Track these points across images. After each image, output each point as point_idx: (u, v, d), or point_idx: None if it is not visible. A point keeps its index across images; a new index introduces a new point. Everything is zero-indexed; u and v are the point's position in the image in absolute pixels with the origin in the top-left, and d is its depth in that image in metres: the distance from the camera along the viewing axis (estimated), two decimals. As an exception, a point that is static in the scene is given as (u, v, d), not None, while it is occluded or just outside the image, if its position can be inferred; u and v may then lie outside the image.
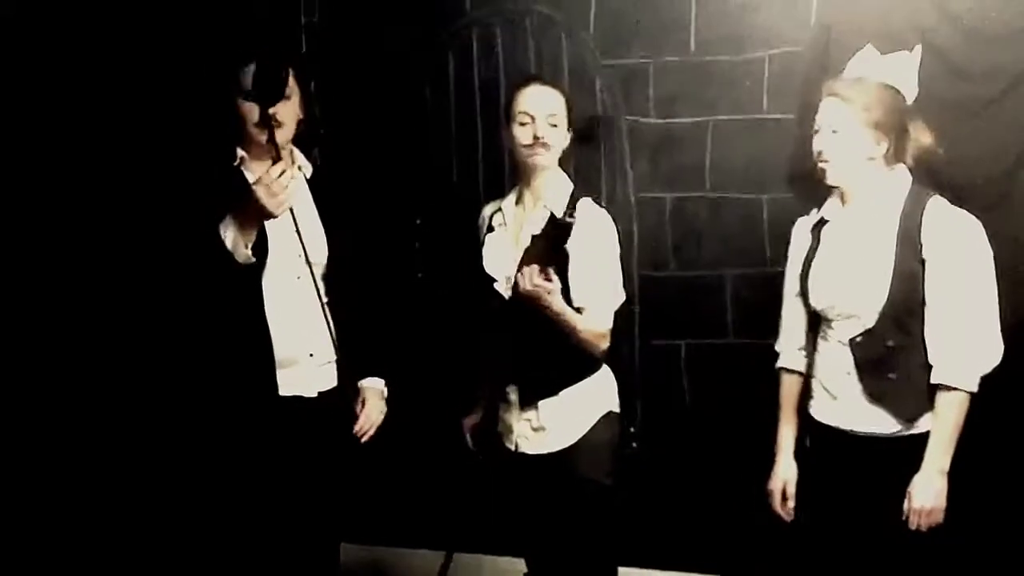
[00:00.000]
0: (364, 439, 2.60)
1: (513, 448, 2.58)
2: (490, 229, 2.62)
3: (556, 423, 2.51)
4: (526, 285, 2.28)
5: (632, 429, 3.01)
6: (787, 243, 2.49)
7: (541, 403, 2.51)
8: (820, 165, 2.28)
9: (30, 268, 3.20)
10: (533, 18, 3.13)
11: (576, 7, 3.09)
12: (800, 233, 2.44)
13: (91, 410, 3.28)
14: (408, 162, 3.32)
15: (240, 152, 2.45)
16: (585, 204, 2.50)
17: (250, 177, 2.40)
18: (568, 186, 2.54)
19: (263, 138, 2.34)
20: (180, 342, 2.44)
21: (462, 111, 3.25)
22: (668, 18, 3.01)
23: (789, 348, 2.48)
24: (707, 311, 3.07)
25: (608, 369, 2.59)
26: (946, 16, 2.76)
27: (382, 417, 2.64)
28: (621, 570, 2.72)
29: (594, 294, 2.45)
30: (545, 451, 2.53)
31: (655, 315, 3.13)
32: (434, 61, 3.25)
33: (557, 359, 2.48)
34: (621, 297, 2.53)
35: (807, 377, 2.42)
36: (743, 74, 2.96)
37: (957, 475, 2.20)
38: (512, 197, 2.61)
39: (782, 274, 2.51)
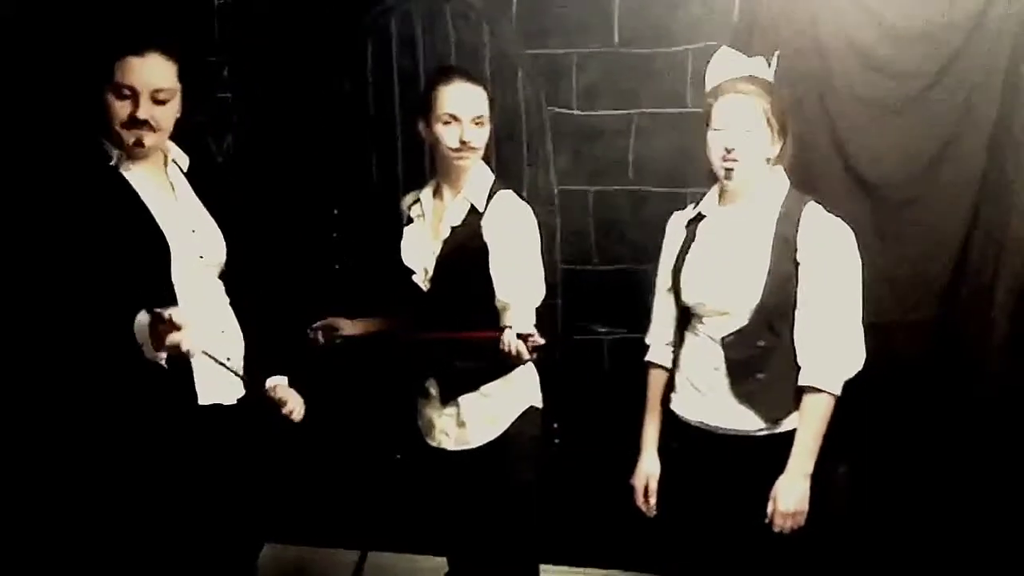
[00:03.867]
0: (296, 418, 2.44)
1: (436, 445, 2.53)
2: (409, 220, 2.56)
3: (477, 418, 2.47)
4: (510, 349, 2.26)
5: (555, 425, 2.97)
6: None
7: (461, 398, 2.46)
8: (726, 164, 2.23)
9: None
10: (454, 5, 3.07)
11: (498, -5, 3.06)
12: (675, 227, 2.44)
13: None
14: (325, 151, 3.24)
15: (115, 151, 2.20)
16: (505, 196, 2.45)
17: (129, 176, 2.20)
18: (488, 177, 2.49)
19: (131, 142, 2.14)
20: (93, 354, 2.27)
21: (380, 98, 3.18)
22: (591, 9, 2.99)
23: (657, 343, 2.48)
24: (630, 305, 3.05)
25: (531, 364, 2.52)
26: (867, 13, 2.79)
27: (300, 401, 2.48)
28: (543, 567, 2.69)
29: (516, 290, 2.40)
30: (466, 447, 2.48)
31: (578, 309, 3.10)
32: (352, 47, 3.18)
33: (478, 353, 2.42)
34: (543, 292, 2.48)
35: (673, 372, 2.42)
36: (666, 67, 2.96)
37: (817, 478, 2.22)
38: (430, 188, 2.55)
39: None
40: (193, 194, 2.31)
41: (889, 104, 2.80)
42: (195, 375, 2.24)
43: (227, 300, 2.29)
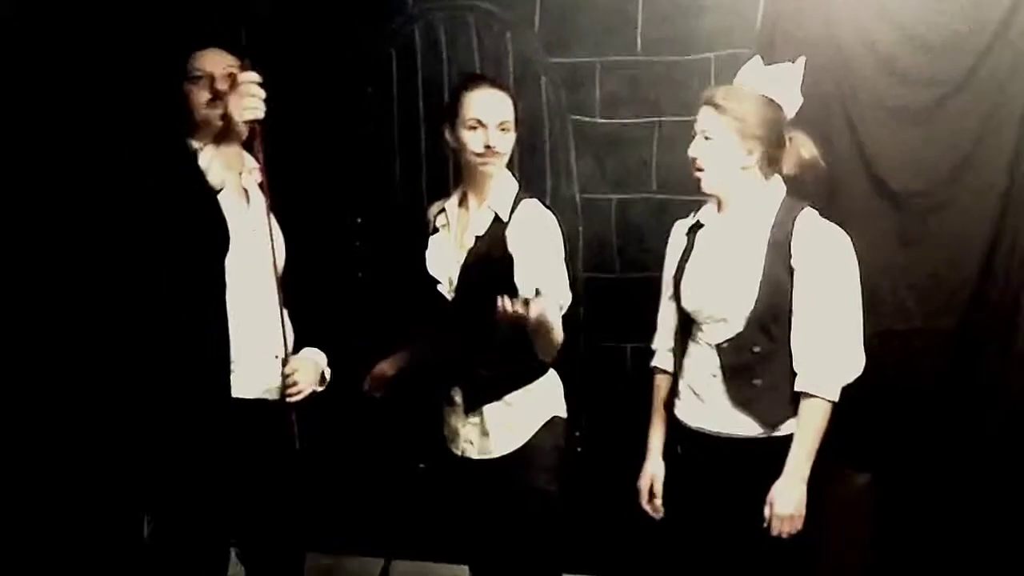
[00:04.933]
0: (292, 394, 2.39)
1: (460, 454, 2.53)
2: (434, 230, 2.57)
3: (500, 427, 2.47)
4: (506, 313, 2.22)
5: (577, 433, 2.97)
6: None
7: (486, 407, 2.46)
8: (695, 173, 2.29)
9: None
10: (477, 15, 3.09)
11: (521, 5, 3.07)
12: (676, 235, 2.46)
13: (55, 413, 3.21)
14: (349, 159, 3.26)
15: (195, 144, 2.30)
16: (530, 204, 2.46)
17: (209, 174, 2.28)
18: (513, 186, 2.50)
19: (217, 120, 2.25)
20: (141, 341, 2.36)
21: (404, 108, 3.20)
22: (614, 17, 3.00)
23: (663, 348, 2.51)
24: (653, 314, 3.05)
25: (555, 373, 2.55)
26: (889, 21, 2.79)
27: (311, 381, 2.46)
28: (565, 576, 2.69)
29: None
30: (489, 456, 2.49)
31: (600, 317, 3.10)
32: (376, 56, 3.19)
33: (503, 362, 2.44)
34: (569, 299, 2.49)
35: (676, 378, 2.43)
36: (689, 75, 2.96)
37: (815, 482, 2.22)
38: (455, 198, 2.56)
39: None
40: (264, 204, 2.40)
41: (912, 112, 2.80)
42: (242, 369, 2.32)
43: (276, 301, 2.37)
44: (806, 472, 2.20)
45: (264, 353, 2.36)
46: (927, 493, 2.86)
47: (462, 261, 2.45)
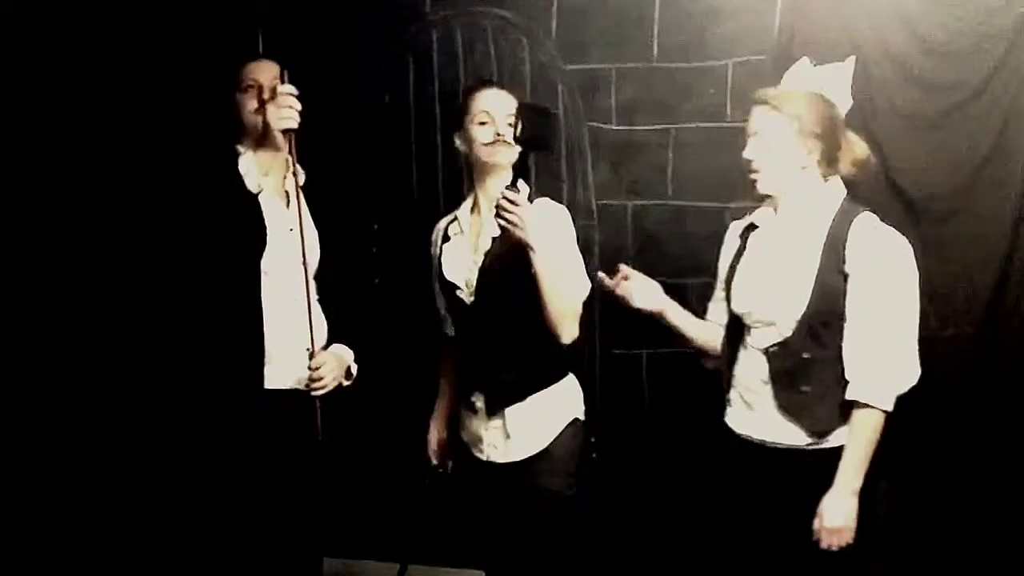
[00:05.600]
0: (316, 388, 2.47)
1: (484, 458, 2.52)
2: (446, 239, 2.59)
3: (523, 430, 2.47)
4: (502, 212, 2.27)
5: (593, 438, 2.97)
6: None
7: (508, 410, 2.46)
8: (751, 175, 2.25)
9: (25, 262, 3.29)
10: (494, 21, 3.10)
11: (538, 11, 3.08)
12: (731, 237, 2.44)
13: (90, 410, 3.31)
14: (366, 164, 3.27)
15: (240, 149, 2.43)
16: (542, 201, 2.48)
17: (247, 178, 2.36)
18: (523, 188, 2.50)
19: (260, 127, 2.35)
20: (175, 335, 2.49)
21: (421, 113, 3.21)
22: (630, 24, 3.01)
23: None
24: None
25: (573, 376, 2.55)
26: (906, 26, 2.80)
27: (337, 376, 2.54)
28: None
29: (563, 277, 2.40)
30: (511, 459, 2.48)
31: (616, 324, 3.10)
32: (393, 62, 3.21)
33: (523, 364, 2.44)
34: (588, 288, 2.50)
35: (727, 386, 2.40)
36: (706, 82, 2.97)
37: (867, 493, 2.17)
38: (467, 205, 2.57)
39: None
40: (304, 205, 2.49)
41: (929, 117, 2.81)
42: (272, 361, 2.41)
43: (305, 298, 2.42)
44: (857, 485, 2.14)
45: (298, 347, 2.45)
46: (944, 500, 2.85)
47: (480, 263, 2.46)
